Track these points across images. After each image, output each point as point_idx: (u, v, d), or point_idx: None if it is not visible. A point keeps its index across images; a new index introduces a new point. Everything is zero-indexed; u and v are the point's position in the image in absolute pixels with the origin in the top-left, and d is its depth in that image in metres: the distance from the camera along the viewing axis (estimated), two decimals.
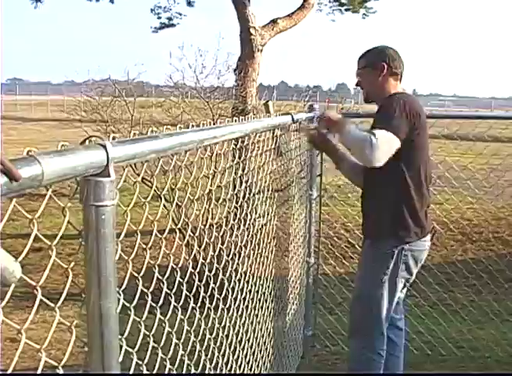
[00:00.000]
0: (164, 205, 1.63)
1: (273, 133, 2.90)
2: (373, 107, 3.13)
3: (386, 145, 2.74)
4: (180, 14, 11.89)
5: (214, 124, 1.85)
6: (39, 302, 1.03)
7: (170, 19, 11.95)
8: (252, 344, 2.56)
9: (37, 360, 1.06)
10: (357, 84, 3.18)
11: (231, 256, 2.21)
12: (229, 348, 2.15)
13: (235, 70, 7.89)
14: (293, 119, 3.16)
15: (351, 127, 2.92)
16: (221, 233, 2.13)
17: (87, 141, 1.16)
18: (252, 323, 2.53)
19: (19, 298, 0.81)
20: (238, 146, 2.25)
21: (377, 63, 3.06)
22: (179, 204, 1.75)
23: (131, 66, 7.52)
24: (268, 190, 2.80)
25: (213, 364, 2.03)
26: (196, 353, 1.85)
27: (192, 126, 1.69)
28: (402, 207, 3.01)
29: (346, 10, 11.48)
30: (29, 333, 1.03)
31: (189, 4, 11.68)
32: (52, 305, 1.10)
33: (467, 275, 5.66)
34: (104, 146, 1.09)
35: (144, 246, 1.43)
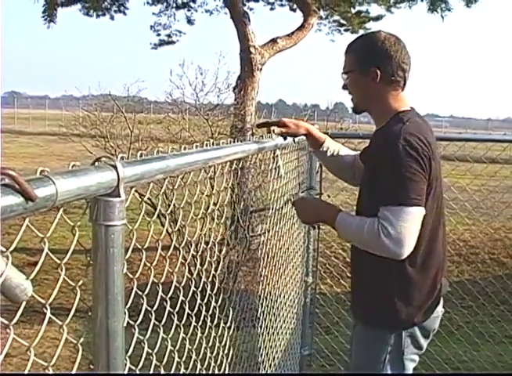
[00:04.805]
0: (162, 223, 1.65)
1: (274, 153, 2.91)
2: (372, 127, 2.45)
3: (407, 230, 1.95)
4: (180, 32, 12.03)
5: (213, 142, 1.87)
6: (30, 316, 1.04)
7: (169, 36, 12.08)
8: (251, 363, 2.56)
9: None
10: (344, 88, 2.30)
11: (232, 274, 2.22)
12: (229, 367, 2.16)
13: (234, 89, 7.96)
14: (294, 139, 3.17)
15: (342, 216, 2.14)
16: (222, 252, 2.14)
17: (96, 162, 1.17)
18: (251, 341, 2.53)
19: (15, 313, 0.82)
20: (240, 166, 2.26)
21: (366, 68, 2.16)
22: (183, 222, 1.76)
23: (130, 81, 7.56)
24: (267, 209, 2.82)
25: None
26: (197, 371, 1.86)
27: (197, 146, 1.71)
28: (411, 276, 2.11)
29: (345, 31, 11.63)
30: (23, 348, 1.03)
31: (189, 22, 11.82)
32: (59, 322, 1.11)
33: (463, 296, 5.68)
34: (115, 167, 1.11)
35: (139, 263, 1.44)
